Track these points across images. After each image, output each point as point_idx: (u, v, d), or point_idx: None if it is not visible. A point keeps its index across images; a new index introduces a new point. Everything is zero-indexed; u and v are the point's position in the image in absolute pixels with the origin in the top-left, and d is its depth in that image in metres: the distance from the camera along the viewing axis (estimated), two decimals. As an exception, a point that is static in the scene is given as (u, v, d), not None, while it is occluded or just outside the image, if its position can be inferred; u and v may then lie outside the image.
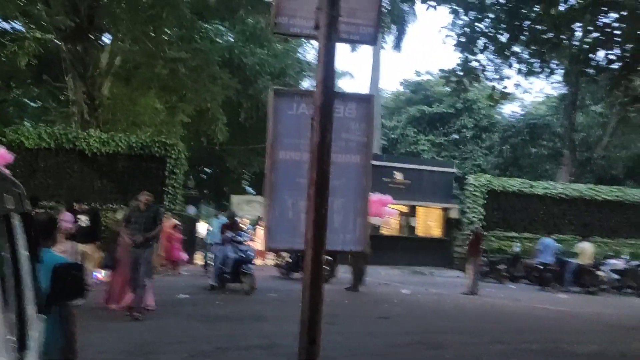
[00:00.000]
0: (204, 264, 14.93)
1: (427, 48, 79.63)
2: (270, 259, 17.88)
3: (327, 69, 3.14)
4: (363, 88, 51.41)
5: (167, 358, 6.21)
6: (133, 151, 16.84)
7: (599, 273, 16.00)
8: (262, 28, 20.95)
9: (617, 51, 11.78)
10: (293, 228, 3.34)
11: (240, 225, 13.54)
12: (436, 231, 23.23)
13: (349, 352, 6.82)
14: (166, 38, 18.42)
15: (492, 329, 9.25)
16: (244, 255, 11.66)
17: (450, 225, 22.71)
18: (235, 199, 24.26)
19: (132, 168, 16.80)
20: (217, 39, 23.27)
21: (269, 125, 3.40)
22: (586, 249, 16.42)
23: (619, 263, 16.88)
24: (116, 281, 8.88)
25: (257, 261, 15.80)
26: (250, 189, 31.75)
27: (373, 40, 3.46)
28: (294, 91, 3.98)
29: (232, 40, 24.26)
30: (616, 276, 16.23)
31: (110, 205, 15.48)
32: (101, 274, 11.12)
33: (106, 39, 19.12)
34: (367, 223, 3.65)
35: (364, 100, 3.45)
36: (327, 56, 3.13)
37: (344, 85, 35.55)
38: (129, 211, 8.79)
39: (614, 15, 11.19)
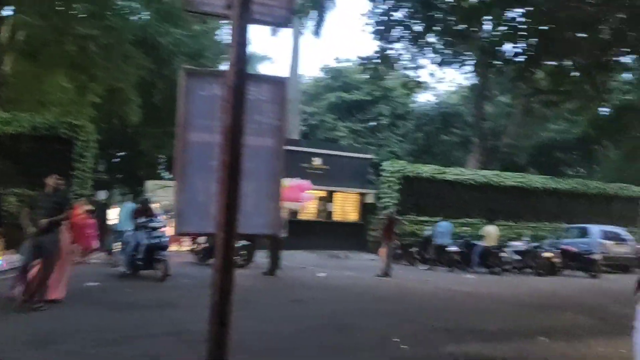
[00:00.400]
0: (109, 250, 14.35)
1: (347, 35, 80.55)
2: (186, 245, 17.52)
3: (239, 50, 3.08)
4: (283, 73, 51.13)
5: (69, 348, 5.93)
6: (38, 132, 15.86)
7: (503, 254, 17.03)
8: (178, 7, 20.28)
9: (523, 45, 12.48)
10: (204, 212, 3.29)
11: (154, 210, 13.14)
12: (353, 216, 23.72)
13: (260, 336, 6.84)
14: (76, 13, 17.38)
15: (402, 309, 9.60)
16: (157, 242, 11.36)
17: (366, 210, 23.27)
18: (149, 184, 23.48)
19: (37, 150, 15.82)
20: (131, 17, 22.25)
21: (180, 105, 3.31)
22: (491, 232, 17.43)
23: (520, 245, 18.03)
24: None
25: (172, 247, 15.44)
26: (166, 174, 30.86)
27: (286, 22, 3.44)
28: (206, 71, 3.88)
29: (146, 18, 23.30)
30: (518, 257, 17.35)
31: (14, 190, 14.50)
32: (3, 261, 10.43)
33: (8, 11, 17.73)
34: (280, 206, 3.65)
35: (278, 83, 3.43)
36: (239, 36, 3.08)
37: (264, 70, 35.29)
38: (37, 195, 8.33)
39: (520, 10, 11.83)
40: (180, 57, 22.63)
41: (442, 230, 17.86)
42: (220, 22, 22.10)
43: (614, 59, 12.70)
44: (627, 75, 22.01)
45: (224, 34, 26.94)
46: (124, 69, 17.99)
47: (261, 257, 14.26)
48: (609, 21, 11.49)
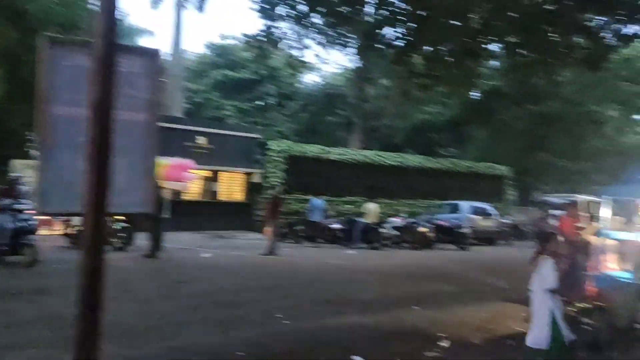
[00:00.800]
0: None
1: (233, 11, 78.84)
2: (59, 229, 16.39)
3: (108, 18, 2.92)
4: (165, 49, 48.99)
5: None
6: None
7: (382, 230, 17.88)
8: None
9: (402, 29, 13.03)
10: (70, 190, 3.10)
11: (22, 191, 12.11)
12: (239, 195, 23.56)
13: (141, 317, 6.66)
14: None
15: (286, 285, 9.79)
16: (24, 225, 10.51)
17: (252, 189, 23.23)
18: (17, 163, 21.55)
19: None
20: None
21: (41, 77, 3.07)
22: (372, 209, 18.22)
23: (398, 221, 19.03)
24: None
25: (43, 231, 14.38)
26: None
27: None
28: (70, 40, 3.62)
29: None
30: (396, 232, 18.30)
31: None
32: None
33: None
34: (155, 184, 3.55)
35: (150, 55, 3.30)
36: (108, 3, 2.91)
37: (144, 44, 33.54)
38: None
39: (399, -5, 12.31)
40: (51, 27, 20.82)
41: (315, 207, 18.36)
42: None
43: (483, 46, 13.66)
44: (494, 63, 23.82)
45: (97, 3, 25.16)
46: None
47: (142, 240, 13.75)
48: (478, 11, 12.34)
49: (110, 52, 2.92)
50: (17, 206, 10.78)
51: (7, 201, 10.83)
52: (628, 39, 11.59)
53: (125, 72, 3.17)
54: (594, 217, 10.30)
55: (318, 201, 18.79)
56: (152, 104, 3.29)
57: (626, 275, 6.56)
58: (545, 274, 4.56)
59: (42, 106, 3.06)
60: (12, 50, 18.83)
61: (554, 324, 4.43)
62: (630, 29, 11.38)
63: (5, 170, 20.75)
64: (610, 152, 29.00)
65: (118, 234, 13.33)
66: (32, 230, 10.67)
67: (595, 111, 28.97)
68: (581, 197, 18.03)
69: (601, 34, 11.56)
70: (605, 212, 7.30)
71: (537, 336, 4.47)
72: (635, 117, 32.45)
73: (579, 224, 9.60)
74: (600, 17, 11.55)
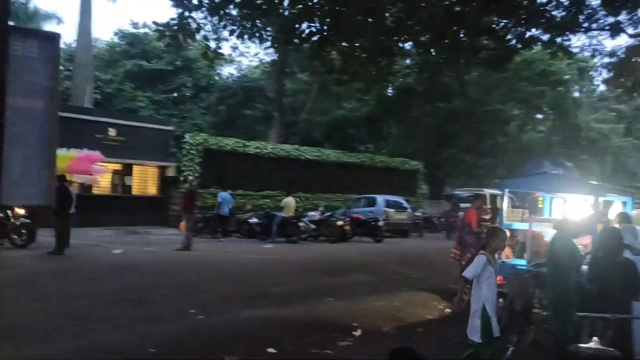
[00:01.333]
0: None
1: None
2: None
3: (0, -2, 2.74)
4: (73, 35, 46.43)
5: None
6: None
7: (300, 224, 18.01)
8: None
9: (318, 25, 13.10)
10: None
11: None
12: (153, 190, 22.85)
13: (45, 317, 6.32)
14: None
15: (201, 281, 9.63)
16: None
17: (167, 183, 22.60)
18: None
19: None
20: None
21: None
22: (290, 203, 18.30)
23: (315, 215, 19.25)
24: None
25: None
26: None
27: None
28: None
29: None
30: (313, 226, 18.49)
31: None
32: None
33: None
34: (56, 176, 3.37)
35: (49, 39, 3.12)
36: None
37: (51, 29, 31.57)
38: None
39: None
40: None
41: (223, 200, 18.21)
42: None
43: (397, 44, 14.04)
44: (407, 61, 24.62)
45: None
46: None
47: (46, 236, 13.01)
48: (391, 9, 12.66)
49: (3, 34, 2.75)
50: None
51: None
52: (529, 42, 12.33)
53: (20, 55, 2.98)
54: (496, 209, 10.94)
55: (225, 194, 18.56)
56: (51, 91, 3.11)
57: (522, 262, 7.03)
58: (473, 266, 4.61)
59: None
60: None
61: (485, 316, 4.43)
62: (532, 33, 12.14)
63: None
64: (512, 148, 30.91)
65: (18, 231, 12.53)
66: None
67: (499, 109, 30.72)
68: (486, 191, 19.07)
69: (507, 37, 12.24)
70: (503, 204, 7.77)
71: (470, 327, 4.50)
72: (537, 116, 34.78)
73: (485, 216, 10.16)
74: (504, 21, 12.23)
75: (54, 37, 3.15)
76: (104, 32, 58.63)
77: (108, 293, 8.05)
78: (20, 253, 11.72)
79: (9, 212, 12.23)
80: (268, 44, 19.15)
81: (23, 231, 12.64)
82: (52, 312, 6.62)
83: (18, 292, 7.47)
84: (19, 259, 10.90)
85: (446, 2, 11.93)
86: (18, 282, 8.24)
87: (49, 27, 30.40)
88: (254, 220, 18.34)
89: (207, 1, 11.99)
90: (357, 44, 13.46)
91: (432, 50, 13.82)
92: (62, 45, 4.15)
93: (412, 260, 13.40)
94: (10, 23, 2.96)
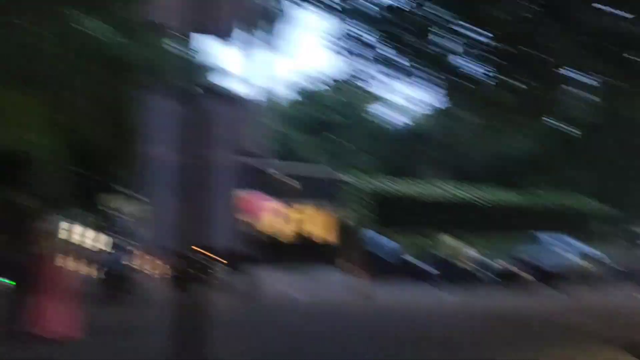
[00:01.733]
0: None
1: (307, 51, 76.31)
2: (154, 265, 16.81)
3: (196, 65, 3.09)
4: (256, 91, 49.81)
5: None
6: None
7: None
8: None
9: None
10: (170, 228, 3.14)
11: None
12: (325, 234, 23.10)
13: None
14: None
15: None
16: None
17: (340, 227, 22.88)
18: (107, 197, 21.42)
19: None
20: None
21: (138, 121, 3.20)
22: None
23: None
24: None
25: (141, 267, 14.85)
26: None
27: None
28: (165, 86, 3.73)
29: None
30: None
31: None
32: None
33: None
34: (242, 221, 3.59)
35: (241, 100, 3.42)
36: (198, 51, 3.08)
37: (231, 83, 34.26)
38: None
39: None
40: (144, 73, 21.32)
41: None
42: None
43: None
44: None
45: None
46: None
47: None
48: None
49: (203, 98, 3.06)
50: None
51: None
52: None
53: (215, 114, 3.24)
54: None
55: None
56: (247, 146, 3.35)
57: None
58: None
59: (140, 148, 3.20)
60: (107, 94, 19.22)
61: None
62: None
63: (97, 203, 20.13)
64: None
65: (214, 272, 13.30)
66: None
67: None
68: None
69: None
70: None
71: None
72: None
73: None
74: None
75: (247, 99, 3.42)
76: (274, 83, 60.39)
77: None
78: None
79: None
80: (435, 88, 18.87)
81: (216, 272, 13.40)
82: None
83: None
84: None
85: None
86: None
87: (228, 80, 33.01)
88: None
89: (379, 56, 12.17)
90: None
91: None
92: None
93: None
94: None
